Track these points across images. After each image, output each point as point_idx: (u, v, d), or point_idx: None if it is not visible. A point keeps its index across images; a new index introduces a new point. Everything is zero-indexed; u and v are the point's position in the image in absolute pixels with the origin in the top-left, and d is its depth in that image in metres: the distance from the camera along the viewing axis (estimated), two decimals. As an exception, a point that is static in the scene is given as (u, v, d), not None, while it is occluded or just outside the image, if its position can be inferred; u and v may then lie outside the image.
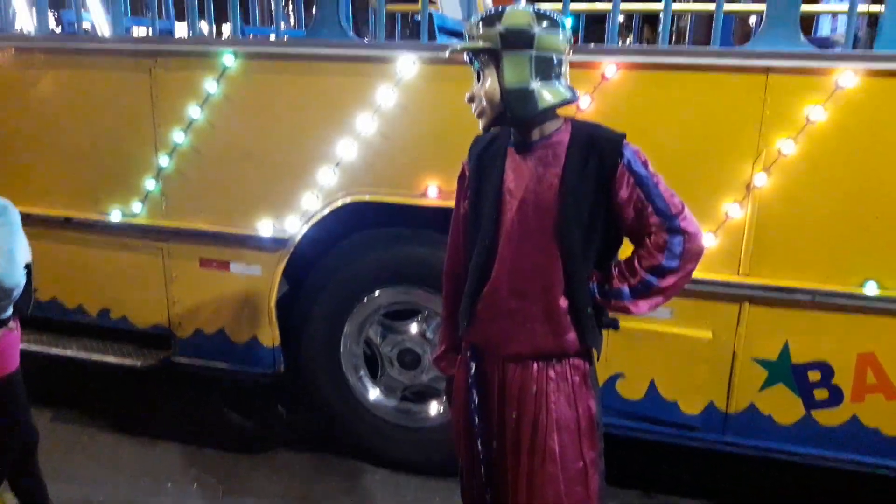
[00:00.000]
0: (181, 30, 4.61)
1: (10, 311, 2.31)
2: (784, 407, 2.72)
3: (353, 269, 3.07)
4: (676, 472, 3.26)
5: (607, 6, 3.31)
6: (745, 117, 2.51)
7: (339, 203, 2.94)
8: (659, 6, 2.98)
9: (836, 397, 2.66)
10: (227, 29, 3.77)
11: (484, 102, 1.70)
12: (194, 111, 3.01)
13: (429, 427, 3.19)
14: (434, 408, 3.20)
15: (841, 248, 2.53)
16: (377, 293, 3.10)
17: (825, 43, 4.32)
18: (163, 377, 3.55)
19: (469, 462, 2.03)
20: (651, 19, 7.12)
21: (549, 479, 1.82)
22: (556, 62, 1.68)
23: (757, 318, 2.66)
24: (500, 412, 1.90)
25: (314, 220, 2.98)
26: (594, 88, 2.60)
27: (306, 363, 3.25)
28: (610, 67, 2.57)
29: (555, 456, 1.82)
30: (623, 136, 1.72)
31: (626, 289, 1.75)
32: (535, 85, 1.66)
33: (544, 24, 1.65)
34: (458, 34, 3.60)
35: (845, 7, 2.64)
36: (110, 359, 3.32)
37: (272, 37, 4.83)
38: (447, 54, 1.81)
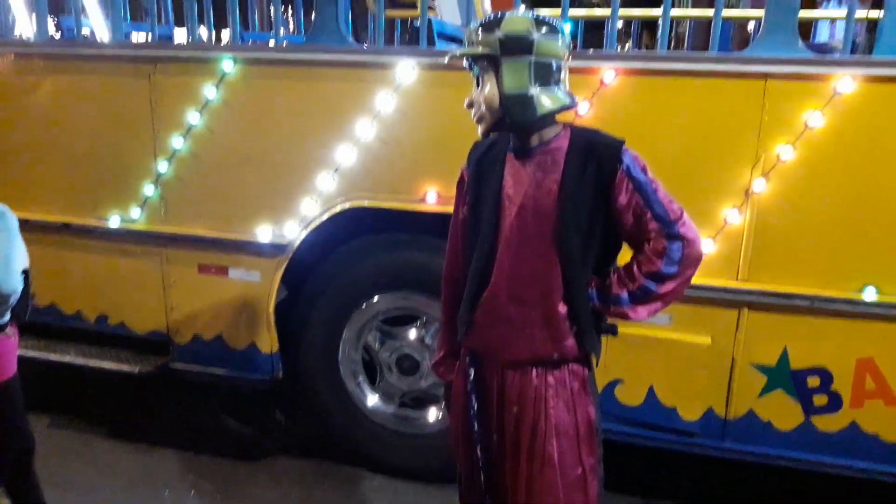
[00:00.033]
0: (180, 35, 4.62)
1: (7, 317, 2.31)
2: (783, 413, 2.71)
3: (352, 275, 3.07)
4: (675, 478, 3.25)
5: (606, 12, 3.32)
6: (743, 123, 2.51)
7: (337, 209, 2.94)
8: (658, 12, 2.98)
9: (835, 403, 2.66)
10: (226, 35, 3.78)
11: (483, 108, 1.70)
12: (193, 117, 3.01)
13: (427, 433, 3.18)
14: (433, 414, 3.19)
15: (840, 253, 2.53)
16: (376, 299, 3.10)
17: (823, 49, 4.32)
18: (161, 383, 3.54)
19: (468, 468, 2.02)
20: (650, 25, 7.14)
21: (548, 486, 1.81)
22: (555, 68, 1.68)
23: (756, 323, 2.66)
24: (499, 418, 1.89)
25: (313, 225, 2.98)
26: (593, 94, 2.60)
27: (305, 369, 3.24)
28: (609, 73, 2.57)
29: (553, 462, 1.81)
30: (622, 142, 1.72)
31: (625, 295, 1.75)
32: (534, 91, 1.66)
33: (543, 30, 1.65)
34: (457, 40, 3.61)
35: (843, 13, 2.64)
36: (108, 365, 3.31)
37: (271, 42, 4.84)
38: (446, 60, 1.81)
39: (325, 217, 2.96)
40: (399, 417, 3.23)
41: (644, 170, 1.72)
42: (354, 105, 2.83)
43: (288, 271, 3.07)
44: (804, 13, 2.77)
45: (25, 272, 2.28)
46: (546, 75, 1.67)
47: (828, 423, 2.68)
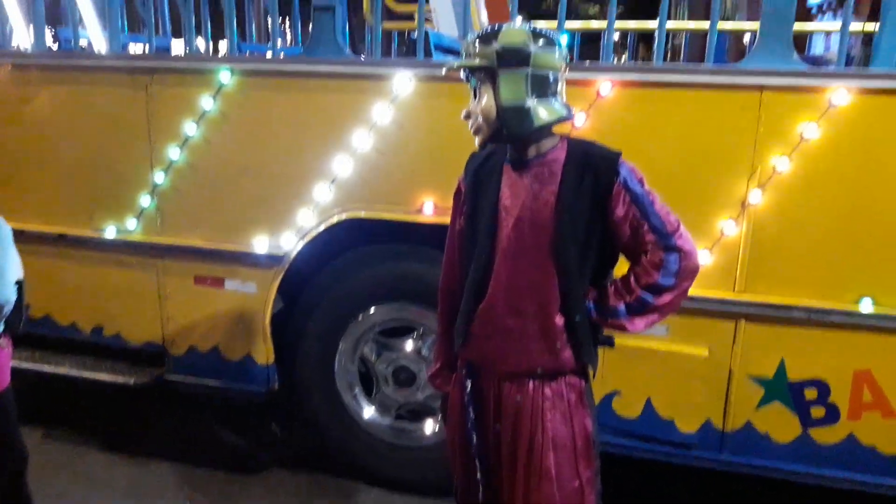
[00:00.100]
0: (178, 47, 4.63)
1: (0, 329, 2.30)
2: (781, 425, 2.71)
3: (349, 286, 3.06)
4: (673, 491, 3.24)
5: (602, 24, 3.33)
6: (739, 134, 2.52)
7: (334, 220, 2.94)
8: (654, 24, 3.00)
9: (832, 415, 2.65)
10: (223, 46, 3.78)
11: (480, 119, 1.71)
12: (190, 128, 3.01)
13: (424, 445, 3.17)
14: (429, 426, 3.18)
15: (836, 264, 2.54)
16: (372, 310, 3.09)
17: (818, 61, 4.35)
18: (156, 395, 3.52)
19: (465, 481, 2.01)
20: (646, 37, 7.18)
21: (546, 499, 1.80)
22: (552, 80, 1.68)
23: (753, 335, 2.65)
24: (496, 429, 1.88)
25: (310, 236, 2.98)
26: (590, 106, 2.61)
27: (300, 381, 3.22)
28: (605, 85, 2.58)
29: (550, 475, 1.81)
30: (619, 154, 1.73)
31: (622, 306, 1.75)
32: (531, 102, 1.66)
33: (540, 42, 1.66)
34: (453, 52, 3.62)
35: (838, 25, 2.66)
36: (103, 376, 3.29)
37: (269, 54, 4.85)
38: (444, 72, 1.82)
39: (321, 228, 2.96)
40: (395, 429, 3.21)
41: (641, 182, 1.72)
42: (351, 116, 2.84)
43: (284, 282, 3.06)
44: (799, 25, 2.78)
45: (19, 283, 2.27)
46: (543, 87, 1.67)
47: (825, 436, 2.68)
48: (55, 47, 4.61)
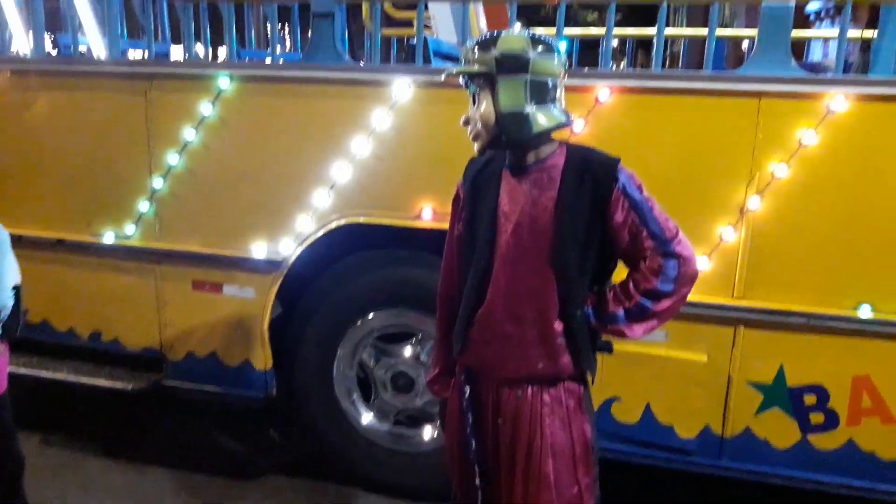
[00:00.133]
0: (177, 53, 4.63)
1: (-2, 334, 2.30)
2: (780, 431, 2.70)
3: (347, 292, 3.06)
4: (672, 496, 3.23)
5: (601, 31, 3.34)
6: (738, 141, 2.53)
7: (333, 225, 2.94)
8: (652, 31, 3.01)
9: (832, 421, 2.65)
10: (223, 52, 3.79)
11: (479, 125, 1.71)
12: (189, 133, 3.01)
13: (422, 451, 3.16)
14: (427, 432, 3.17)
15: (835, 270, 2.54)
16: (371, 316, 3.09)
17: (816, 68, 4.36)
18: (154, 401, 3.51)
19: (463, 487, 2.00)
20: (645, 44, 7.20)
21: (544, 505, 1.80)
22: (550, 86, 1.69)
23: (752, 341, 2.65)
24: (495, 435, 1.88)
25: (308, 241, 2.97)
26: (588, 112, 2.61)
27: (299, 386, 3.22)
28: (604, 91, 2.59)
29: (549, 481, 1.80)
30: (617, 161, 1.73)
31: (621, 312, 1.75)
32: (530, 109, 1.67)
33: (539, 48, 1.66)
34: (452, 58, 3.63)
35: (836, 32, 2.67)
36: (101, 382, 3.28)
37: (268, 60, 4.86)
38: (443, 78, 1.82)
39: (320, 233, 2.96)
40: (394, 435, 3.20)
41: (640, 188, 1.72)
42: (350, 122, 2.84)
43: (283, 288, 3.06)
44: (797, 32, 2.78)
45: (16, 288, 2.27)
46: (542, 93, 1.68)
47: (825, 441, 2.67)
48: (55, 53, 4.61)
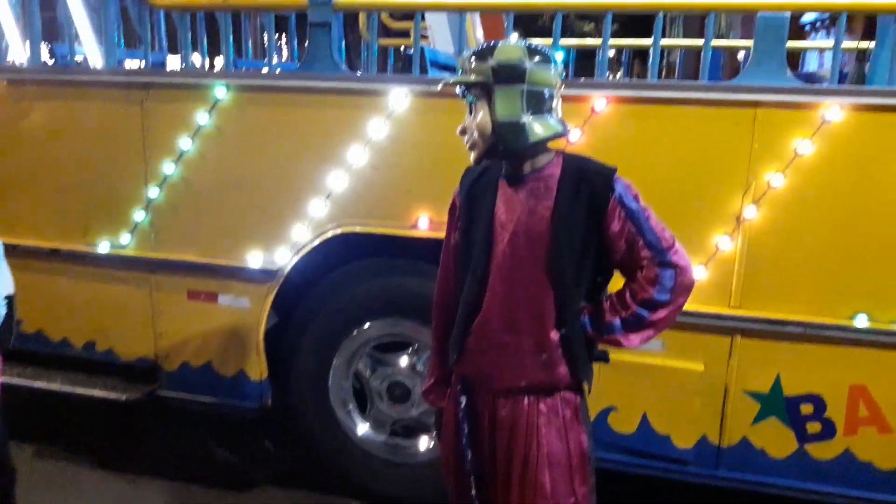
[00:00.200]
0: (174, 62, 4.63)
1: (-11, 344, 2.28)
2: (777, 440, 2.70)
3: (343, 301, 3.05)
4: (670, 507, 3.22)
5: (597, 41, 3.35)
6: (734, 151, 2.53)
7: (329, 234, 2.94)
8: (648, 41, 3.02)
9: (828, 430, 2.65)
10: (219, 62, 3.79)
11: (476, 135, 1.71)
12: (185, 143, 3.01)
13: (418, 462, 3.14)
14: (424, 443, 3.15)
15: (831, 280, 2.54)
16: (367, 325, 3.08)
17: (811, 78, 4.39)
18: (148, 411, 3.49)
19: (459, 497, 1.99)
20: (641, 54, 7.23)
21: (541, 516, 1.79)
22: (547, 96, 1.69)
23: (748, 350, 2.65)
24: (491, 445, 1.88)
25: (304, 251, 2.97)
26: (585, 122, 2.62)
27: (294, 397, 3.20)
28: (600, 101, 2.59)
29: (546, 492, 1.80)
30: (614, 170, 1.73)
31: (617, 322, 1.75)
32: (527, 118, 1.67)
33: (536, 58, 1.66)
34: (449, 68, 3.63)
35: (831, 43, 2.68)
36: (95, 392, 3.26)
37: (265, 70, 4.86)
38: (440, 87, 1.82)
39: (316, 243, 2.95)
40: (390, 446, 3.19)
41: (636, 198, 1.73)
42: (347, 132, 2.84)
43: (278, 297, 3.05)
44: (792, 43, 2.80)
45: (9, 298, 2.26)
46: (538, 103, 1.68)
47: (822, 451, 2.67)
48: (51, 63, 4.61)
